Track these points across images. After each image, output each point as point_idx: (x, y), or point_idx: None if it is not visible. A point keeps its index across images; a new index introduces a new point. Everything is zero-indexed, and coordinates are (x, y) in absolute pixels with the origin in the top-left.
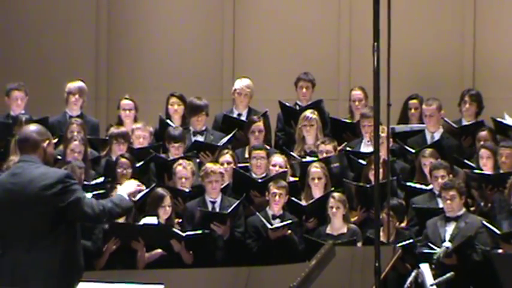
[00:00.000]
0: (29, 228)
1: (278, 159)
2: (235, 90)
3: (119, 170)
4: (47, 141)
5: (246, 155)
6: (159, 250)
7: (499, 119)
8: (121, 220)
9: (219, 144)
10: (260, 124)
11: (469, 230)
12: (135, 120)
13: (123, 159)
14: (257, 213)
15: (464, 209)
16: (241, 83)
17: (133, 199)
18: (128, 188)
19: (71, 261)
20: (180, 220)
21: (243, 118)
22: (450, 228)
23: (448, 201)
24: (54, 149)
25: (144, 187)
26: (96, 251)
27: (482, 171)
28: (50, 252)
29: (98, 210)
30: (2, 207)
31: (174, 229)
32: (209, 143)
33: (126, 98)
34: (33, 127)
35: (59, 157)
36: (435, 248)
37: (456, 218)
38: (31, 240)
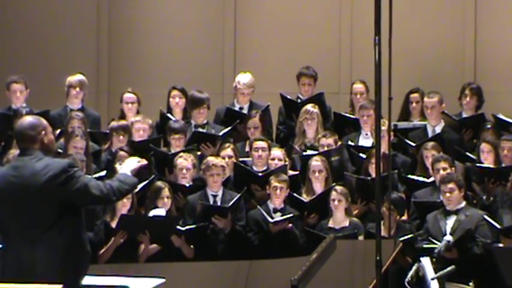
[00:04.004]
0: (34, 221)
1: (277, 152)
2: (236, 86)
3: (117, 164)
4: (43, 132)
5: (247, 149)
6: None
7: (500, 116)
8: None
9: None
10: (256, 120)
11: (470, 223)
12: (138, 113)
13: (122, 153)
14: (258, 207)
15: (464, 202)
16: (243, 81)
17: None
18: (129, 166)
19: (78, 249)
20: None
21: (245, 112)
22: (450, 222)
23: (447, 194)
24: (55, 140)
25: (145, 161)
26: (97, 243)
27: (484, 165)
28: (57, 243)
29: (106, 190)
30: (5, 201)
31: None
32: (209, 133)
33: (129, 92)
34: (26, 122)
35: (60, 150)
36: (435, 241)
37: (456, 211)
38: (37, 232)
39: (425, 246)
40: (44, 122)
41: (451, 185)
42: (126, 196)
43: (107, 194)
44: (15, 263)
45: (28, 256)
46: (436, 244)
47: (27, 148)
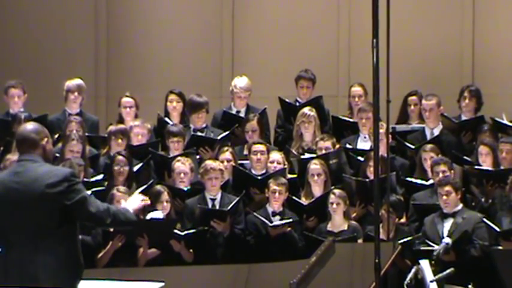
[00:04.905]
0: (34, 227)
1: (276, 156)
2: (233, 90)
3: (115, 168)
4: (46, 139)
5: (245, 152)
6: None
7: (498, 119)
8: None
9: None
10: (254, 123)
11: (467, 226)
12: (136, 117)
13: (119, 157)
14: (254, 213)
15: (461, 205)
16: (239, 84)
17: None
18: (133, 204)
19: (74, 259)
20: None
21: (242, 115)
22: (448, 225)
23: (444, 197)
24: (53, 146)
25: (148, 201)
26: (96, 246)
27: (483, 168)
28: (55, 251)
29: (102, 211)
30: (6, 207)
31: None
32: (207, 137)
33: (127, 96)
34: (30, 126)
35: (57, 155)
36: (433, 244)
37: (453, 214)
38: (36, 239)
39: (422, 248)
40: (46, 130)
41: (447, 188)
42: (119, 227)
43: (101, 214)
44: (17, 269)
45: (29, 262)
46: (433, 247)
47: (28, 153)
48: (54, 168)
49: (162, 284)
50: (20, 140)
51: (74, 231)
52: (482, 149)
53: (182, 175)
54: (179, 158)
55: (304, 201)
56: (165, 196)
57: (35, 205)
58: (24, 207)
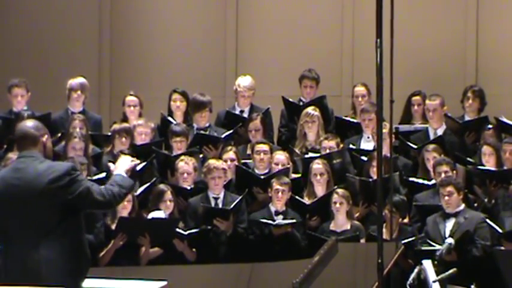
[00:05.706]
0: (37, 223)
1: (280, 157)
2: (236, 89)
3: None
4: (46, 136)
5: (248, 152)
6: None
7: (502, 119)
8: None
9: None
10: (257, 122)
11: (469, 226)
12: (140, 116)
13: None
14: (256, 213)
15: (463, 205)
16: (243, 83)
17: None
18: (123, 166)
19: (79, 252)
20: None
21: (245, 115)
22: (450, 224)
23: (446, 197)
24: (56, 144)
25: (137, 161)
26: (98, 245)
27: (486, 168)
28: (59, 246)
29: (108, 196)
30: (7, 204)
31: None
32: (211, 135)
33: (131, 95)
34: (29, 123)
35: (59, 152)
36: (435, 244)
37: (455, 214)
38: (39, 234)
39: (424, 248)
40: (46, 128)
41: (449, 188)
42: (124, 199)
43: (108, 199)
44: (19, 266)
45: (31, 258)
46: (435, 247)
47: (28, 149)
48: (54, 164)
49: (165, 282)
50: (20, 137)
51: (77, 226)
52: (486, 149)
53: (186, 175)
54: (183, 157)
55: (307, 200)
56: (169, 195)
57: (36, 201)
58: (25, 204)
